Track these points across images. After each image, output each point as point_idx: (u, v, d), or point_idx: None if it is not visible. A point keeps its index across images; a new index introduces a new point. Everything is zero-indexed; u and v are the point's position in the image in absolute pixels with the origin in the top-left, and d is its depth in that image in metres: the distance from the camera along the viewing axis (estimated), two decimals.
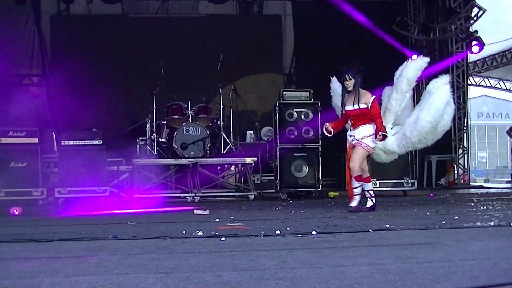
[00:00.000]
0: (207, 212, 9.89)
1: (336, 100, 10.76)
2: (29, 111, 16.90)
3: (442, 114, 10.08)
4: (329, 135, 10.08)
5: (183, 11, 19.52)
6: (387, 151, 10.60)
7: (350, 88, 9.75)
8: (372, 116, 9.72)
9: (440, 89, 10.12)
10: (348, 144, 9.98)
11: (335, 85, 10.89)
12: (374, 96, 9.88)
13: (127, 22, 19.30)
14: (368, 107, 9.69)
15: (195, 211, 10.08)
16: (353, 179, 9.85)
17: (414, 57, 10.69)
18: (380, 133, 9.58)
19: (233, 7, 19.81)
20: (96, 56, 18.55)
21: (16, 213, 10.68)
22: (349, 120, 10.03)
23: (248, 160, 14.05)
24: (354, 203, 9.89)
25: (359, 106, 9.70)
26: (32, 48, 18.15)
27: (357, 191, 9.89)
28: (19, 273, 4.45)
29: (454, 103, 17.60)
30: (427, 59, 10.45)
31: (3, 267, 4.74)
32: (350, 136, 9.93)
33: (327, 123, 10.05)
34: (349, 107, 9.83)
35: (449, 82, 10.34)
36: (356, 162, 9.81)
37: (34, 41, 18.24)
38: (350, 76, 9.72)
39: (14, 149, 13.43)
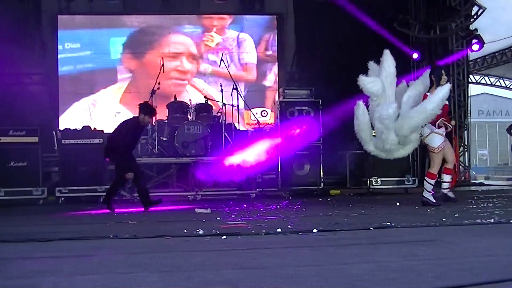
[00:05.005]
0: (208, 210, 9.89)
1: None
2: (31, 110, 16.91)
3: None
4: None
5: (185, 9, 19.48)
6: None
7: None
8: None
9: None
10: (442, 140, 10.12)
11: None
12: None
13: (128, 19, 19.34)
14: None
15: (196, 209, 10.08)
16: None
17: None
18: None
19: (234, 5, 19.79)
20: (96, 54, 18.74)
21: None
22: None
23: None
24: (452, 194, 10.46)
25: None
26: (33, 46, 18.10)
27: None
28: (20, 272, 4.44)
29: (455, 101, 17.77)
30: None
31: (4, 266, 4.73)
32: (444, 132, 10.17)
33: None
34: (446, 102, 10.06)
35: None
36: None
37: (35, 40, 18.20)
38: (446, 74, 10.17)
39: (14, 148, 13.45)
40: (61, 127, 16.35)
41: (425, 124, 9.96)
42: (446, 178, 10.50)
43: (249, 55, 19.53)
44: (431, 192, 10.13)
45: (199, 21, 19.53)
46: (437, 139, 10.07)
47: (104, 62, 18.87)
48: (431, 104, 9.66)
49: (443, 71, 10.16)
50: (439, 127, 10.00)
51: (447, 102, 9.96)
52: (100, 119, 18.12)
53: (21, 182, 13.33)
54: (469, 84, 19.98)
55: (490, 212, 8.56)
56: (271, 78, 19.61)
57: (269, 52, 19.70)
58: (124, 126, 10.74)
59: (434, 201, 10.07)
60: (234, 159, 14.20)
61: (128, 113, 17.96)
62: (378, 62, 10.44)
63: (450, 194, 10.54)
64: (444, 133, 10.19)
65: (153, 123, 14.49)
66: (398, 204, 10.67)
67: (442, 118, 9.94)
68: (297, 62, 19.88)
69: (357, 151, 15.59)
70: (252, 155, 14.11)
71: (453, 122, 10.29)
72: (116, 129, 10.86)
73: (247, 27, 19.69)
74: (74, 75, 18.64)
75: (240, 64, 19.40)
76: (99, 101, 18.67)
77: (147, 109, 10.84)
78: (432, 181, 10.15)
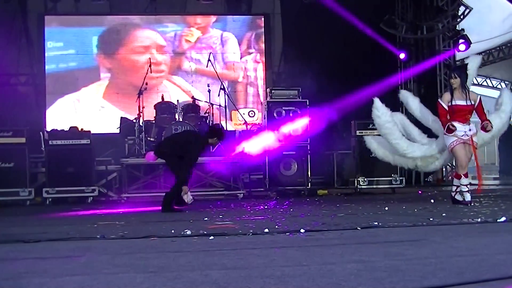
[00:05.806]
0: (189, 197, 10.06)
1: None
2: (18, 110, 16.81)
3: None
4: None
5: (171, 10, 19.48)
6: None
7: (455, 86, 9.98)
8: (477, 112, 10.10)
9: None
10: (456, 139, 9.90)
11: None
12: (479, 95, 10.28)
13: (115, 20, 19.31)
14: (475, 105, 9.98)
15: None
16: (463, 176, 10.08)
17: None
18: (485, 122, 9.99)
19: (221, 5, 19.78)
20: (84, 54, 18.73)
21: None
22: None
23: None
24: (469, 197, 10.09)
25: (470, 102, 9.96)
26: (19, 46, 18.00)
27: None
28: (7, 273, 4.43)
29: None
30: None
31: None
32: (462, 131, 9.95)
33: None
34: (462, 102, 9.95)
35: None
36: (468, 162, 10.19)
37: (21, 40, 18.10)
38: (456, 75, 10.01)
39: (1, 149, 13.37)
40: (48, 125, 16.30)
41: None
42: (455, 182, 10.24)
43: (233, 54, 19.53)
44: (463, 190, 10.08)
45: (183, 20, 19.51)
46: (447, 140, 10.05)
47: (87, 60, 18.83)
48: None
49: (452, 74, 10.08)
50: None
51: (457, 103, 9.87)
52: (84, 115, 18.13)
53: (8, 183, 13.25)
54: None
55: (477, 211, 8.59)
56: (258, 77, 19.60)
57: (254, 51, 19.69)
58: (197, 146, 10.55)
59: (467, 199, 9.98)
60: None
61: (117, 113, 17.88)
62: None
63: (458, 197, 10.17)
64: (461, 132, 9.91)
65: (141, 124, 14.49)
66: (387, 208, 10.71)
67: (446, 118, 9.95)
68: (284, 62, 19.89)
69: (344, 151, 15.62)
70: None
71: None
72: (185, 139, 10.61)
73: (231, 26, 19.69)
74: (59, 74, 18.56)
75: (224, 63, 19.39)
76: (82, 98, 18.65)
77: (221, 135, 10.86)
78: (457, 181, 10.13)
